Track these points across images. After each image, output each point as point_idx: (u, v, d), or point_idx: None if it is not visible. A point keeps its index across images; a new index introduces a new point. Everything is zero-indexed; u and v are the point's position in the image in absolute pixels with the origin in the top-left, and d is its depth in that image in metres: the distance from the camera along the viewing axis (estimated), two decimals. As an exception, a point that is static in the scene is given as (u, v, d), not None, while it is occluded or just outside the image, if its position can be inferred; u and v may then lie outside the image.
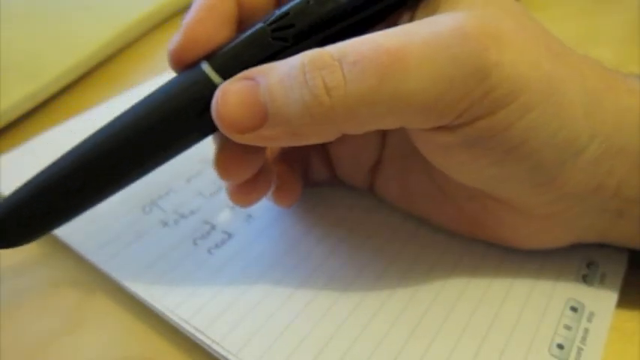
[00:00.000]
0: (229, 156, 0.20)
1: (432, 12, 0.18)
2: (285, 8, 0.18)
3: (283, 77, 0.17)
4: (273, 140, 0.18)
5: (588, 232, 0.21)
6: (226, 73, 0.18)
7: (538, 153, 0.18)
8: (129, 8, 0.41)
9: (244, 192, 0.22)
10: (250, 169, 0.21)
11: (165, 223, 0.25)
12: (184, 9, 0.32)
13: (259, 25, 0.18)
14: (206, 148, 0.28)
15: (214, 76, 0.18)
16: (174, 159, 0.30)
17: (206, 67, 0.18)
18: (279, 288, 0.22)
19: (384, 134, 0.24)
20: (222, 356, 0.20)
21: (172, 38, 0.19)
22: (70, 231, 0.24)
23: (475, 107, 0.17)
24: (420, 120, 0.17)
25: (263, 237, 0.24)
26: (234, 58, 0.18)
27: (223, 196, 0.26)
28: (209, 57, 0.19)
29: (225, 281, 0.22)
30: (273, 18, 0.18)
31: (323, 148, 0.25)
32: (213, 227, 0.24)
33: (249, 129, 0.17)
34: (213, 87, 0.18)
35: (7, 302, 0.22)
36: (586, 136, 0.18)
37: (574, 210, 0.20)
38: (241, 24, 0.20)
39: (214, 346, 0.20)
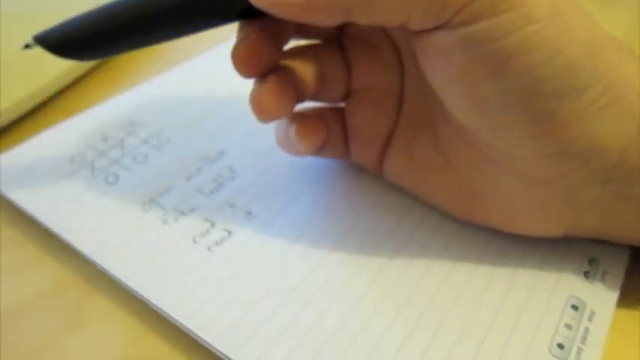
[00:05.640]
0: (246, 48, 0.22)
1: None
2: None
3: None
4: (286, 7, 0.19)
5: (590, 215, 0.21)
6: None
7: (536, 70, 0.18)
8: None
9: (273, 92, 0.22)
10: (266, 61, 0.22)
11: (164, 221, 0.25)
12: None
13: None
14: (205, 145, 0.29)
15: None
16: (174, 158, 0.30)
17: None
18: (279, 286, 0.22)
19: (400, 103, 0.25)
20: (223, 355, 0.19)
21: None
22: (70, 229, 0.24)
23: (477, 3, 0.17)
24: (421, 11, 0.18)
25: (263, 234, 0.24)
26: None
27: (223, 194, 0.26)
28: None
29: (225, 279, 0.22)
30: None
31: (341, 117, 0.26)
32: (212, 225, 0.24)
33: None
34: None
35: (7, 302, 0.22)
36: (588, 74, 0.18)
37: (576, 175, 0.19)
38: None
39: (214, 345, 0.20)
